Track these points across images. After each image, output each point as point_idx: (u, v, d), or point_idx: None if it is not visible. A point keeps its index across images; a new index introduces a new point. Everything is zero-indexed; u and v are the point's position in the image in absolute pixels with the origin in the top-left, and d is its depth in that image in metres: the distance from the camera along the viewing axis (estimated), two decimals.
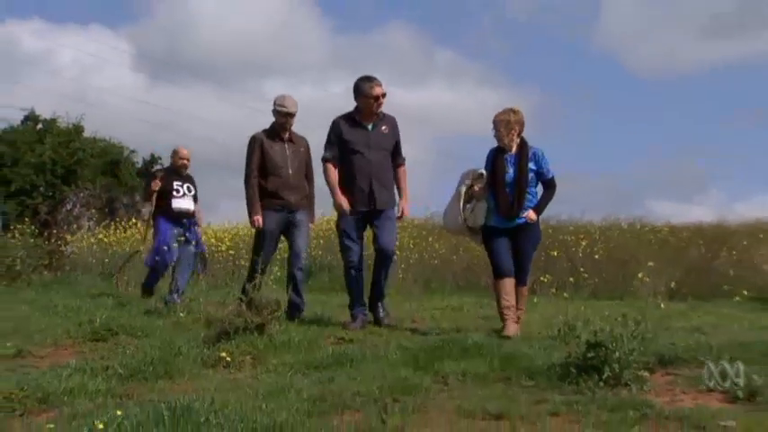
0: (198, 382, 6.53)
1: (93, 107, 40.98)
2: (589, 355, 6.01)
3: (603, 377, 5.83)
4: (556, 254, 13.63)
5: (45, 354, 7.81)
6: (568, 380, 5.96)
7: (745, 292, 9.61)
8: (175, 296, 10.76)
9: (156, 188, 11.08)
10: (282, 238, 9.55)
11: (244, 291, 8.55)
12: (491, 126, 8.02)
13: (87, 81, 37.79)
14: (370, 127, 7.78)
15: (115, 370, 6.75)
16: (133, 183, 21.67)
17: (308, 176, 9.35)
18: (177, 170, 11.33)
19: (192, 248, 11.35)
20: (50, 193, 20.52)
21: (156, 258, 11.21)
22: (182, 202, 11.17)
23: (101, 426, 4.94)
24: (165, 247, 10.94)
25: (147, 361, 6.97)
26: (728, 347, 6.47)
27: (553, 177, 8.20)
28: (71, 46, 42.51)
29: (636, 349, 6.07)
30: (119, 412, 5.23)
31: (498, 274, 7.91)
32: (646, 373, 6.02)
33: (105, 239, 16.87)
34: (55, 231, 18.04)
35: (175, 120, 43.93)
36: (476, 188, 8.00)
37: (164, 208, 11.11)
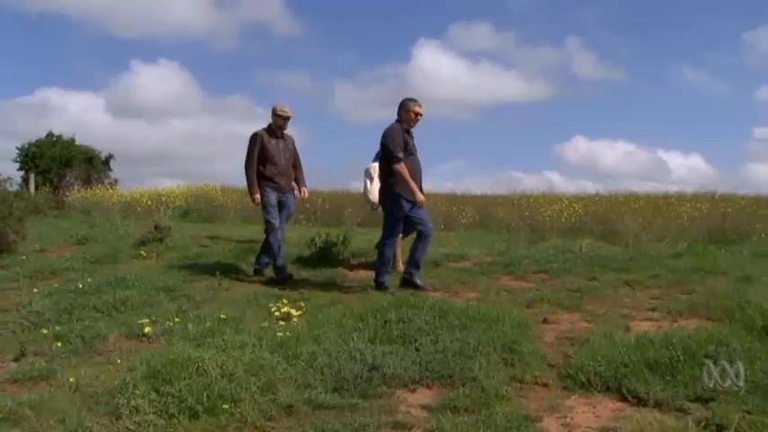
0: (129, 266, 5.68)
1: (83, 131, 35.23)
2: (322, 252, 5.64)
3: (331, 263, 5.46)
4: (308, 205, 11.68)
5: (54, 250, 6.84)
6: (316, 264, 5.48)
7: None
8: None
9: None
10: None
11: (267, 242, 5.11)
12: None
13: (80, 118, 32.73)
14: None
15: (88, 258, 5.99)
16: (100, 167, 18.67)
17: (296, 165, 5.29)
18: None
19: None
20: (58, 172, 17.46)
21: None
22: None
23: (80, 285, 4.53)
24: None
25: (104, 254, 6.18)
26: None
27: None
28: (74, 102, 36.59)
29: (346, 248, 5.78)
30: (89, 279, 4.82)
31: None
32: (349, 260, 5.67)
33: (85, 195, 14.37)
34: (60, 191, 15.45)
35: (124, 137, 38.64)
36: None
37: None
